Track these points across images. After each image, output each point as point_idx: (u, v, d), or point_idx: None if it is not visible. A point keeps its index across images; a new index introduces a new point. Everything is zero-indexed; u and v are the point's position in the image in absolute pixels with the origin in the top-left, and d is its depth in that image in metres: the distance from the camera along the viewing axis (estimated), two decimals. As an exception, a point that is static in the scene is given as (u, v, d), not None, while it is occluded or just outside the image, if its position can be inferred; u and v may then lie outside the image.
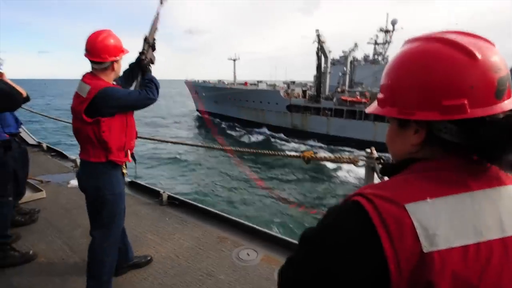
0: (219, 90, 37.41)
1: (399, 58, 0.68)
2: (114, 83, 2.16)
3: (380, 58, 36.05)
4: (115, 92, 2.02)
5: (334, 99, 29.35)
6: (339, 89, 31.52)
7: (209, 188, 16.45)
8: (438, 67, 0.61)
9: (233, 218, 3.40)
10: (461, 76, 0.59)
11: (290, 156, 2.44)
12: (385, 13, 35.56)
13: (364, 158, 1.99)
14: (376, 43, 36.07)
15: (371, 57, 36.69)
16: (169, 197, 3.99)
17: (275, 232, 3.19)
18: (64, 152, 6.25)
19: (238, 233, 3.20)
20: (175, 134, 32.83)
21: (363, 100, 27.62)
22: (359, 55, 37.13)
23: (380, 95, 0.72)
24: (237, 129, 36.13)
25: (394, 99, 0.68)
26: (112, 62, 2.08)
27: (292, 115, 31.71)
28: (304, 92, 33.98)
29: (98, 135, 1.98)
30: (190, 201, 3.88)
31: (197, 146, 5.03)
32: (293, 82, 38.09)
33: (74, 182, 4.78)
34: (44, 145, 6.58)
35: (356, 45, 33.94)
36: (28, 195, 3.91)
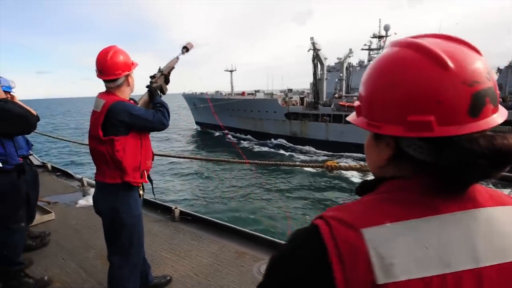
0: (216, 101, 37.57)
1: (371, 65, 0.63)
2: (131, 100, 2.13)
3: (375, 63, 36.45)
4: (128, 107, 1.98)
5: (332, 105, 29.50)
6: (336, 95, 31.72)
7: (219, 202, 16.34)
8: (404, 77, 0.54)
9: (251, 232, 3.33)
10: (428, 88, 0.52)
11: (313, 166, 2.39)
12: (377, 19, 36.16)
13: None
14: (370, 49, 36.53)
15: (366, 62, 37.10)
16: (181, 212, 3.92)
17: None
18: (70, 172, 6.17)
19: (256, 247, 3.13)
20: (180, 148, 32.89)
21: (361, 104, 27.70)
22: (354, 61, 37.61)
23: (357, 103, 0.66)
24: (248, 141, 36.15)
25: (366, 110, 0.62)
26: (126, 77, 2.07)
27: (291, 123, 31.79)
28: (301, 99, 34.19)
29: (112, 155, 1.93)
30: (204, 216, 3.81)
31: (216, 160, 4.96)
32: (290, 90, 38.38)
33: (82, 202, 4.71)
34: (49, 166, 6.52)
35: (351, 50, 34.39)
36: (38, 218, 3.83)
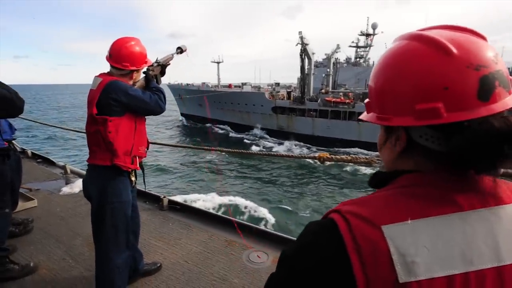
0: (203, 93, 37.10)
1: (378, 62, 0.64)
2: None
3: (362, 60, 36.96)
4: (125, 86, 1.96)
5: (319, 100, 29.78)
6: (323, 90, 32.00)
7: (207, 191, 16.32)
8: (409, 67, 0.55)
9: (239, 221, 3.36)
10: (433, 76, 0.52)
11: (306, 157, 2.43)
12: (365, 17, 36.52)
13: (380, 159, 2.00)
14: (357, 46, 36.95)
15: (353, 59, 37.53)
16: (170, 201, 3.90)
17: (283, 233, 3.17)
18: (52, 159, 5.99)
19: (245, 236, 3.16)
20: (167, 138, 32.53)
21: (347, 100, 28.16)
22: (341, 57, 37.98)
23: (366, 100, 0.68)
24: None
25: (374, 104, 0.64)
26: (132, 71, 2.06)
27: (277, 117, 31.90)
28: (288, 93, 34.29)
29: (104, 135, 1.91)
30: (192, 205, 3.81)
31: (210, 149, 4.92)
32: (278, 84, 38.38)
33: (66, 189, 4.60)
34: (29, 152, 6.30)
35: (338, 46, 34.63)
36: (20, 204, 3.70)
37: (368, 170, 19.17)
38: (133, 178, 2.14)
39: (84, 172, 5.12)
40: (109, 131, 1.91)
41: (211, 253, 2.90)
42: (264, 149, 26.63)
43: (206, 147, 3.59)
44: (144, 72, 2.18)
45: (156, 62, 2.24)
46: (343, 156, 2.11)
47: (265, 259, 2.78)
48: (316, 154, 2.20)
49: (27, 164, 5.81)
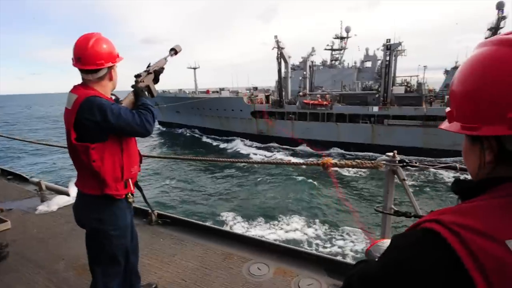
0: (180, 100, 36.45)
1: (464, 67, 0.61)
2: (113, 97, 1.87)
3: (337, 63, 37.92)
4: (103, 103, 1.65)
5: (297, 103, 30.12)
6: (301, 93, 32.43)
7: (197, 203, 15.97)
8: (502, 74, 0.52)
9: (236, 232, 3.24)
10: None
11: (309, 164, 2.36)
12: (339, 21, 37.54)
13: (386, 162, 1.98)
14: (332, 49, 37.87)
15: (328, 62, 38.41)
16: (159, 215, 3.70)
17: (282, 242, 3.08)
18: (24, 175, 5.58)
19: (243, 248, 3.04)
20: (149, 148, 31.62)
21: (324, 102, 28.70)
22: (317, 60, 38.79)
23: (448, 109, 0.65)
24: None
25: (459, 113, 0.61)
26: (109, 69, 1.79)
27: (257, 121, 31.92)
28: (267, 97, 34.46)
29: (88, 165, 1.68)
30: (184, 218, 3.63)
31: (205, 160, 4.68)
32: (256, 88, 38.50)
33: (43, 208, 4.28)
34: (-2, 169, 5.83)
35: (313, 49, 35.35)
36: (-9, 228, 3.39)
37: (349, 174, 19.45)
38: (130, 200, 1.91)
39: (62, 188, 4.84)
40: (93, 160, 1.67)
41: (209, 268, 2.75)
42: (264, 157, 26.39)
43: (203, 158, 3.43)
44: (132, 86, 1.92)
45: (146, 70, 1.99)
46: (348, 162, 2.06)
47: (266, 271, 2.67)
48: (319, 161, 2.13)
49: (-4, 182, 5.38)
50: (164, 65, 2.06)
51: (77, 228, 1.91)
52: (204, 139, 35.08)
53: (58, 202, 4.36)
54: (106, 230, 1.80)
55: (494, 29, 25.13)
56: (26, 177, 5.51)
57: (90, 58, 1.70)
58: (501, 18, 25.31)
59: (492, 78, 0.53)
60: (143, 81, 1.94)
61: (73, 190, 4.56)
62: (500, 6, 25.42)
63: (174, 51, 2.15)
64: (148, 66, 2.02)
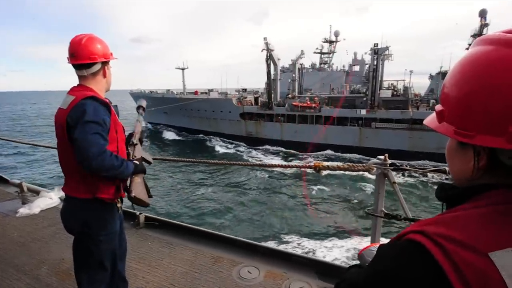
0: (168, 101, 36.06)
1: (462, 65, 0.55)
2: (108, 100, 1.79)
3: (326, 66, 38.37)
4: (90, 114, 1.56)
5: (286, 105, 30.27)
6: (289, 95, 32.61)
7: (185, 205, 15.74)
8: (503, 80, 0.48)
9: (226, 235, 3.19)
10: None
11: (301, 167, 2.34)
12: (328, 25, 38.05)
13: (378, 165, 1.98)
14: (321, 52, 38.30)
15: (317, 65, 38.82)
16: (147, 218, 3.61)
17: (272, 245, 3.05)
18: (5, 176, 5.37)
19: (232, 251, 3.00)
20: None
21: (313, 105, 28.96)
22: (307, 63, 39.14)
23: (438, 107, 0.60)
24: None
25: (453, 115, 0.56)
26: (103, 65, 1.78)
27: (246, 123, 31.90)
28: (256, 99, 34.49)
29: (80, 168, 1.61)
30: (172, 221, 3.56)
31: (207, 163, 4.61)
32: (245, 90, 38.48)
33: (24, 211, 4.11)
34: (-23, 170, 5.59)
35: (302, 52, 35.63)
36: (-31, 232, 3.24)
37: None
38: (119, 205, 1.86)
39: (45, 190, 4.68)
40: None
41: (198, 272, 2.69)
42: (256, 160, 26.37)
43: (199, 160, 3.37)
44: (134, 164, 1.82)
45: (131, 143, 1.89)
46: (340, 164, 2.05)
47: (256, 275, 2.63)
48: (312, 163, 2.12)
49: (-26, 183, 5.16)
50: (141, 127, 2.02)
51: (60, 231, 1.84)
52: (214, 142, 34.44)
53: (40, 204, 4.21)
54: (95, 235, 1.74)
55: (478, 36, 25.92)
56: (7, 178, 5.31)
57: (83, 52, 1.71)
58: (483, 25, 26.17)
59: (494, 83, 0.49)
60: (135, 156, 1.88)
61: (57, 192, 4.42)
62: (482, 14, 26.30)
63: (142, 108, 2.15)
64: (129, 136, 1.93)
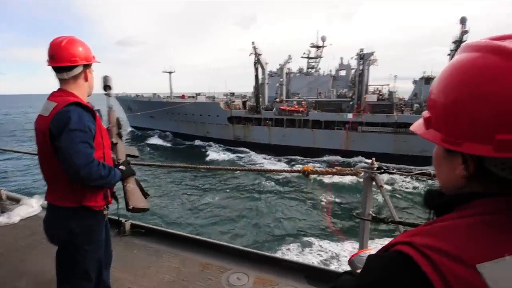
0: (155, 105, 35.63)
1: (449, 71, 0.55)
2: (92, 105, 1.73)
3: (313, 70, 38.85)
4: (75, 121, 1.51)
5: (274, 109, 30.42)
6: (277, 100, 32.80)
7: (172, 211, 15.45)
8: (493, 89, 0.47)
9: (214, 241, 3.14)
10: None
11: (290, 171, 2.34)
12: (315, 31, 38.62)
13: (365, 169, 2.00)
14: (308, 57, 38.76)
15: (305, 70, 39.26)
16: (133, 225, 3.53)
17: (262, 251, 3.02)
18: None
19: (221, 257, 2.95)
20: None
21: (301, 109, 29.23)
22: (294, 67, 39.52)
23: (426, 113, 0.60)
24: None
25: (440, 122, 0.56)
26: (84, 68, 1.71)
27: (234, 127, 31.85)
28: (244, 103, 34.53)
29: (65, 176, 1.56)
30: (159, 228, 3.48)
31: (191, 168, 4.55)
32: (233, 94, 38.46)
33: (3, 220, 3.95)
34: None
35: (290, 56, 36.02)
36: None
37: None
38: (105, 212, 1.81)
39: (25, 198, 4.51)
40: None
41: (186, 280, 2.64)
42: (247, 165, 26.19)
43: (193, 166, 3.32)
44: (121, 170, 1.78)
45: (119, 165, 1.81)
46: (328, 169, 2.07)
47: (245, 281, 2.60)
48: (300, 168, 2.12)
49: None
50: (116, 117, 1.99)
51: (42, 241, 1.77)
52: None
53: (21, 213, 4.05)
54: (81, 244, 1.68)
55: (458, 42, 26.80)
56: (-15, 186, 5.09)
57: (63, 54, 1.64)
58: (463, 32, 27.08)
59: (481, 92, 0.48)
60: (119, 160, 1.84)
61: (38, 200, 4.27)
62: (463, 21, 27.23)
63: (109, 88, 2.00)
64: (108, 128, 1.90)
